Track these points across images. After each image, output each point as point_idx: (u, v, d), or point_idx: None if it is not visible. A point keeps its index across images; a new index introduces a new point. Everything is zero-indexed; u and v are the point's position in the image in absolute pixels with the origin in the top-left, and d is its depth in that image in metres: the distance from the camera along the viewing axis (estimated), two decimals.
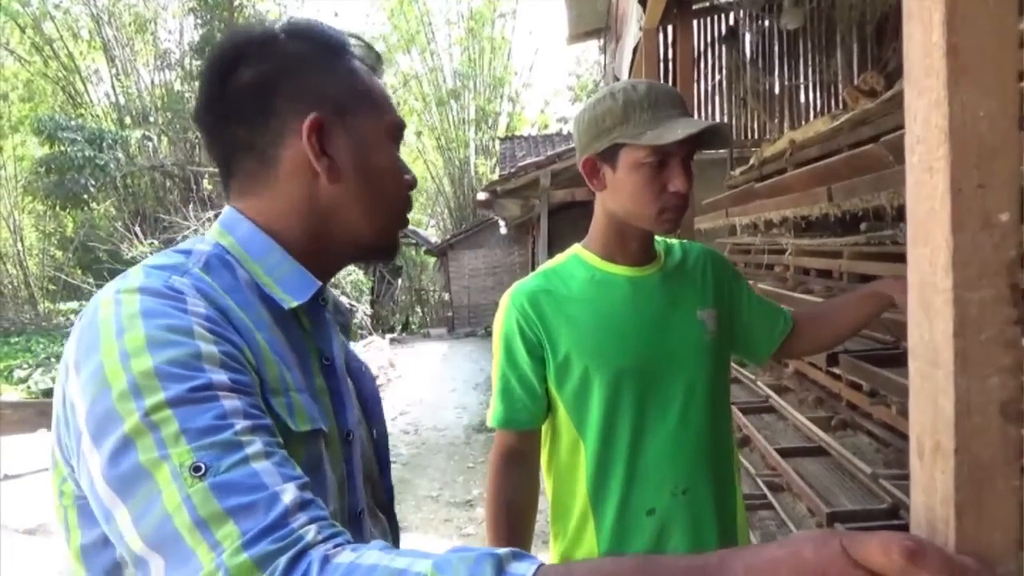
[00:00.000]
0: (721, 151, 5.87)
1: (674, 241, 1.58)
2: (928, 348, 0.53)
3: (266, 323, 0.81)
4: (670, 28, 4.04)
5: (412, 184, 0.97)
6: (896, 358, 1.82)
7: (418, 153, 24.43)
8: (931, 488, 0.53)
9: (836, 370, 2.11)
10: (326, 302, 0.93)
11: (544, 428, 1.52)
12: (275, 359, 0.78)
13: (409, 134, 24.59)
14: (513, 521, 1.47)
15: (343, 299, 10.65)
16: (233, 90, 0.86)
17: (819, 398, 2.77)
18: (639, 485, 1.40)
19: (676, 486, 1.39)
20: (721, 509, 1.45)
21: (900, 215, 1.74)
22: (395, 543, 1.02)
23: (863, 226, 1.84)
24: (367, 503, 0.96)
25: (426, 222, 26.78)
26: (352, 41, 0.95)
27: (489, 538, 1.48)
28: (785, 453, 2.54)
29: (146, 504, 0.61)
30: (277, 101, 0.86)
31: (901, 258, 2.07)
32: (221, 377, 0.67)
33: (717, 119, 6.24)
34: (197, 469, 0.61)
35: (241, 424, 0.65)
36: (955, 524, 0.50)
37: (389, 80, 23.00)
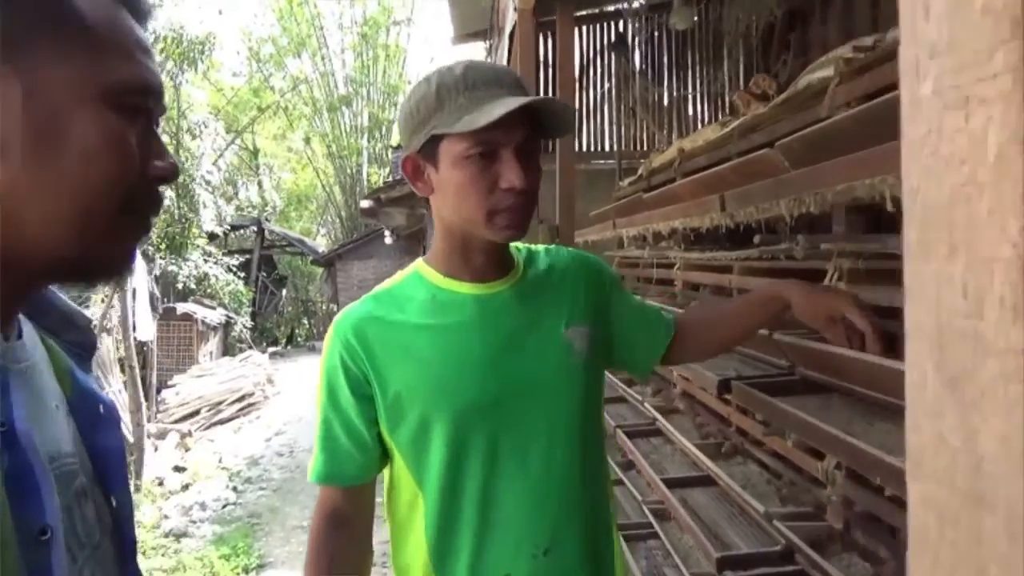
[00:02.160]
0: (610, 161, 5.79)
1: (539, 248, 1.33)
2: (947, 462, 0.27)
3: None
4: (550, 33, 3.84)
5: (162, 175, 0.66)
6: (792, 386, 1.63)
7: (308, 160, 23.63)
8: None
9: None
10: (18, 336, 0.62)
11: (384, 478, 1.23)
12: None
13: (297, 139, 23.78)
14: None
15: (221, 310, 10.00)
16: None
17: (708, 423, 2.59)
18: (492, 547, 1.14)
19: (537, 546, 1.15)
20: (595, 571, 1.21)
21: (798, 227, 1.55)
22: None
23: (757, 239, 1.66)
24: None
25: (316, 231, 25.96)
26: None
27: None
28: (672, 484, 2.35)
29: None
30: None
31: (796, 275, 1.90)
32: None
33: (606, 130, 6.17)
34: None
35: None
36: None
37: (277, 84, 22.44)
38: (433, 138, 1.09)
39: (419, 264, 1.24)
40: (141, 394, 7.11)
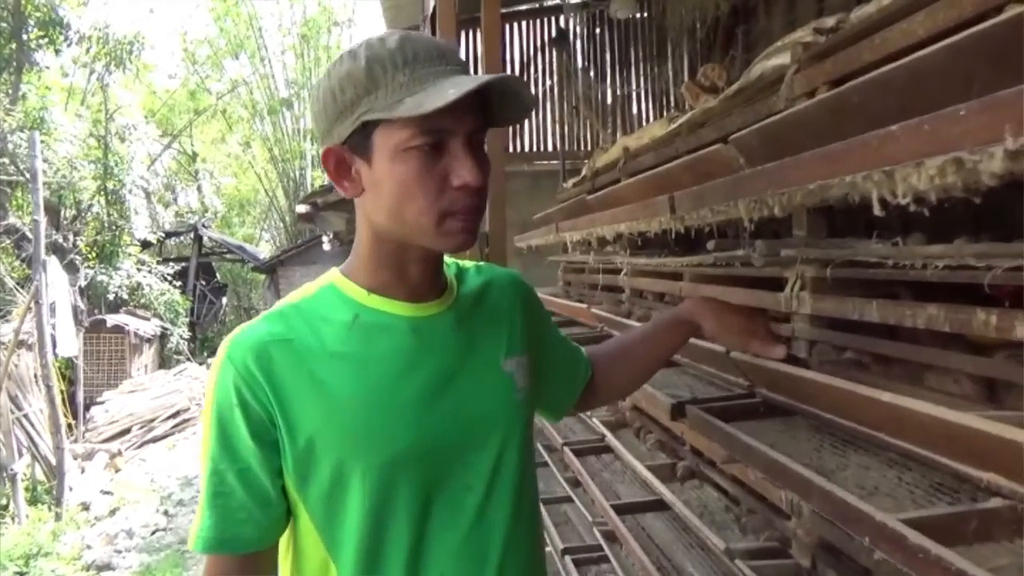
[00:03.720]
0: (553, 161, 5.62)
1: (467, 263, 1.13)
2: None
3: None
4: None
5: None
6: (752, 409, 1.46)
7: (249, 164, 23.00)
8: None
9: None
10: None
11: (283, 542, 1.00)
12: None
13: (234, 144, 23.18)
14: None
15: (156, 321, 9.60)
16: None
17: (661, 441, 2.42)
18: None
19: None
20: None
21: (758, 231, 1.38)
22: None
23: (711, 244, 1.48)
24: None
25: (259, 236, 25.30)
26: None
27: None
28: (622, 510, 2.17)
29: None
30: None
31: (753, 283, 1.73)
32: None
33: (549, 129, 5.99)
34: None
35: None
36: None
37: (215, 86, 21.70)
38: (364, 125, 0.88)
39: (335, 276, 1.00)
40: (60, 414, 6.65)
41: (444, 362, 0.97)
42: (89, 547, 5.54)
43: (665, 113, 5.77)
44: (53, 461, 6.65)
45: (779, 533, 1.59)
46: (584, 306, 2.89)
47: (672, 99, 5.67)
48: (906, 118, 0.90)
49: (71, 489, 6.73)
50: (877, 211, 0.78)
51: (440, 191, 0.89)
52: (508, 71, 3.16)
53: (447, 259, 1.09)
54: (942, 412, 0.94)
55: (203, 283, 17.42)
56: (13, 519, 6.03)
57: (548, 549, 2.74)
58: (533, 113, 6.00)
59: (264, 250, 22.25)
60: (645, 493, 2.35)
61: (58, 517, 6.18)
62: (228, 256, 19.13)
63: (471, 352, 1.00)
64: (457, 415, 0.96)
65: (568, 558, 2.70)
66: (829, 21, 1.33)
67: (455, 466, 0.96)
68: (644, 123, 5.94)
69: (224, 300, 18.93)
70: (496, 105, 0.94)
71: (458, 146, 0.89)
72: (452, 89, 0.83)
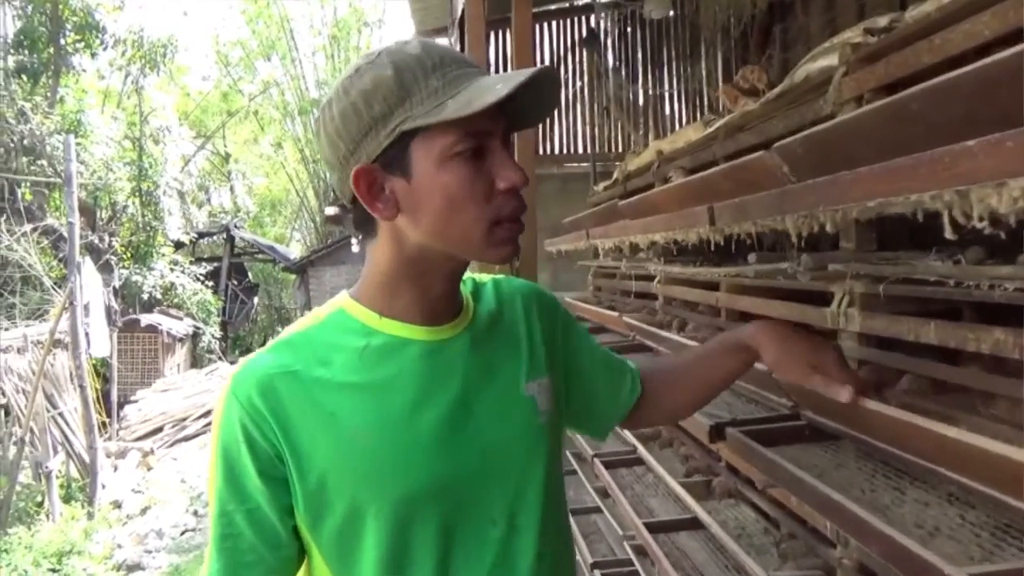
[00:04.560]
0: (584, 164, 5.51)
1: (484, 279, 1.06)
2: None
3: None
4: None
5: None
6: (797, 433, 1.38)
7: (280, 164, 23.23)
8: None
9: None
10: None
11: None
12: None
13: (266, 144, 23.45)
14: None
15: (189, 320, 9.72)
16: None
17: (695, 456, 2.34)
18: None
19: None
20: None
21: (806, 244, 1.30)
22: None
23: (752, 257, 1.40)
24: None
25: (290, 236, 25.55)
26: None
27: None
28: (655, 528, 2.09)
29: None
30: None
31: (795, 296, 1.64)
32: None
33: (579, 131, 5.89)
34: None
35: None
36: None
37: (247, 88, 21.86)
38: (400, 136, 0.82)
39: (345, 301, 0.94)
40: (94, 414, 6.73)
41: (461, 388, 0.91)
42: (120, 546, 5.60)
43: (699, 115, 5.66)
44: (87, 459, 6.73)
45: (822, 561, 1.51)
46: (615, 314, 2.81)
47: (706, 100, 5.54)
48: (974, 130, 0.82)
49: (104, 487, 6.82)
50: (949, 234, 0.71)
51: (488, 197, 0.84)
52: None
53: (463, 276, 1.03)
54: (1014, 452, 0.86)
55: (235, 283, 17.62)
56: (48, 516, 6.12)
57: (577, 559, 2.68)
58: (563, 114, 5.93)
59: (295, 250, 22.46)
60: (678, 509, 2.27)
61: (90, 516, 6.26)
62: (259, 256, 19.32)
63: (489, 376, 0.94)
64: (476, 445, 0.90)
65: (598, 572, 2.63)
66: (882, 20, 1.25)
67: (476, 499, 0.90)
68: (677, 125, 5.81)
69: (255, 300, 19.13)
70: (520, 105, 0.88)
71: (498, 148, 0.84)
72: (499, 84, 0.78)
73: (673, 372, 1.19)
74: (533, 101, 0.87)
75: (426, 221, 0.85)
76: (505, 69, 5.55)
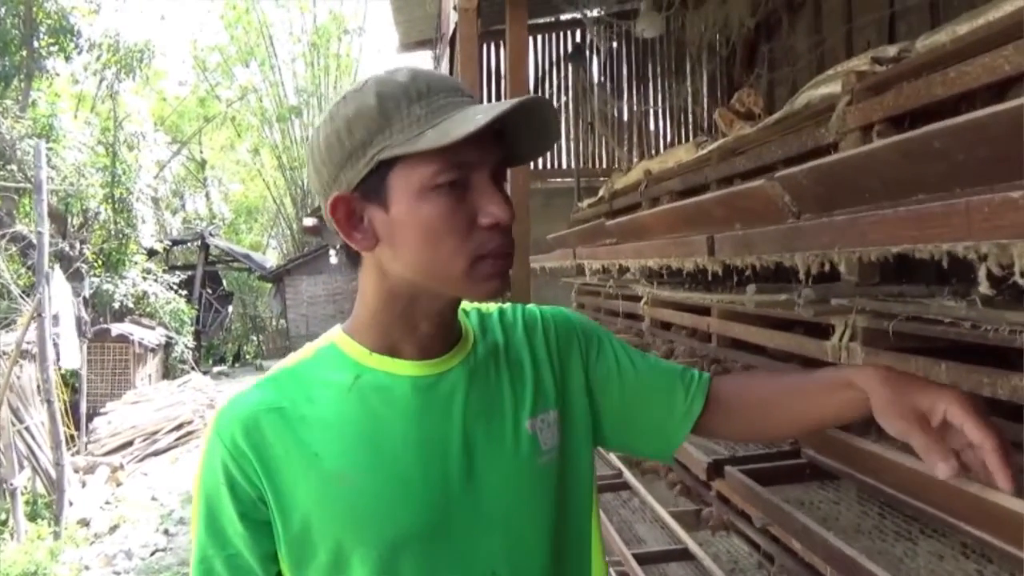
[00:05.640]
0: (567, 179, 5.47)
1: (491, 309, 1.00)
2: None
3: None
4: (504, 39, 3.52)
5: None
6: (797, 472, 1.34)
7: (257, 171, 23.01)
8: None
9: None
10: None
11: None
12: None
13: (243, 151, 23.24)
14: None
15: (161, 330, 9.51)
16: None
17: (683, 479, 2.29)
18: None
19: None
20: None
21: (807, 277, 1.25)
22: None
23: (751, 288, 1.36)
24: None
25: (266, 244, 25.31)
26: None
27: None
28: (644, 559, 2.03)
29: None
30: None
31: (791, 325, 1.60)
32: None
33: (564, 145, 5.85)
34: None
35: None
36: None
37: (225, 93, 21.60)
38: (379, 167, 0.78)
39: (337, 335, 0.89)
40: (61, 429, 6.55)
41: (455, 427, 0.85)
42: (87, 568, 5.42)
43: (684, 132, 5.64)
44: (54, 475, 6.54)
45: None
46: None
47: (692, 117, 5.52)
48: (1006, 174, 0.78)
49: (71, 504, 6.62)
50: (984, 288, 0.66)
51: (469, 232, 0.78)
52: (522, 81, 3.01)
53: (467, 305, 0.97)
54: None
55: (209, 291, 17.36)
56: (12, 535, 5.92)
57: None
58: None
59: (271, 258, 22.24)
60: (667, 537, 2.22)
61: (57, 535, 6.07)
62: (234, 264, 19.08)
63: (488, 413, 0.88)
64: (471, 488, 0.84)
65: None
66: (891, 50, 1.21)
67: (471, 547, 0.84)
68: (662, 141, 5.79)
69: (230, 309, 18.87)
70: (521, 136, 0.82)
71: (484, 181, 0.79)
72: (479, 115, 0.73)
73: (761, 395, 1.01)
74: (530, 132, 0.83)
75: (405, 254, 0.80)
76: (497, 84, 5.49)
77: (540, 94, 5.93)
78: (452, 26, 2.80)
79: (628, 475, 2.57)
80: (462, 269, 0.79)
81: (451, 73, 3.81)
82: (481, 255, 0.79)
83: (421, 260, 0.80)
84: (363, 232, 0.82)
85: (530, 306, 1.03)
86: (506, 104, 0.75)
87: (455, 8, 2.52)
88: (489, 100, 5.04)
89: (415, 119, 0.76)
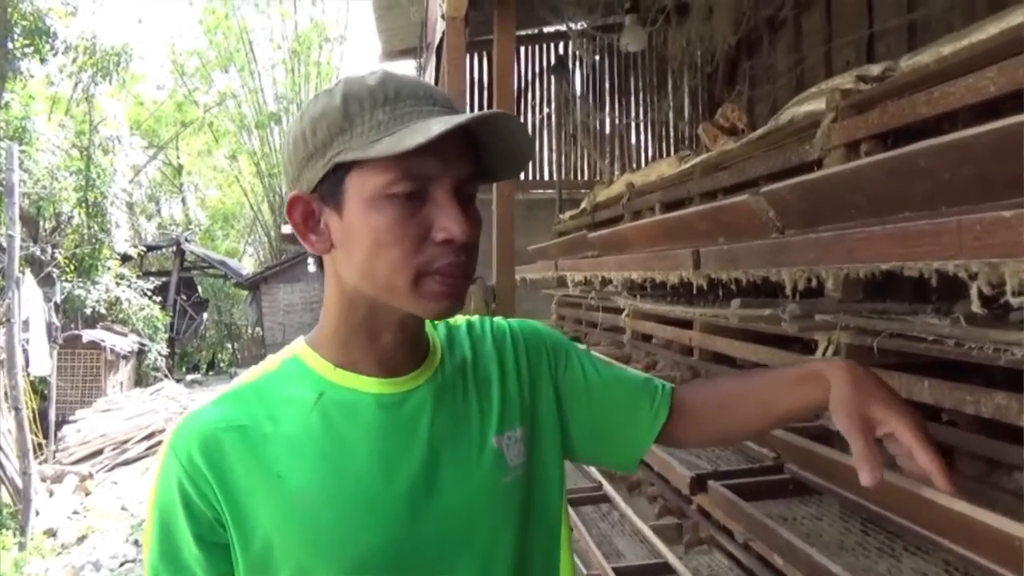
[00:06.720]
0: (549, 191, 5.47)
1: (460, 321, 0.98)
2: None
3: None
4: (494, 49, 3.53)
5: None
6: (780, 487, 1.34)
7: (235, 177, 22.78)
8: None
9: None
10: None
11: None
12: None
13: (221, 157, 23.04)
14: None
15: (134, 337, 9.34)
16: None
17: (663, 494, 2.29)
18: None
19: None
20: None
21: (794, 292, 1.26)
22: None
23: (736, 303, 1.36)
24: None
25: (243, 251, 25.04)
26: None
27: None
28: (624, 573, 2.02)
29: None
30: None
31: (773, 340, 1.61)
32: None
33: (546, 157, 5.87)
34: None
35: None
36: None
37: (204, 99, 21.49)
38: (337, 169, 0.76)
39: (300, 348, 0.87)
40: (28, 438, 6.40)
41: (421, 446, 0.83)
42: None
43: (665, 145, 5.68)
44: (20, 485, 6.39)
45: None
46: (582, 346, 2.76)
47: (673, 131, 5.57)
48: (990, 193, 0.79)
49: (38, 514, 6.47)
50: (976, 307, 0.66)
51: (418, 245, 0.76)
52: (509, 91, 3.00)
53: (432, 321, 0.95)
54: (1014, 527, 0.82)
55: (184, 298, 17.13)
56: None
57: None
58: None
59: (247, 265, 21.99)
60: (646, 551, 2.21)
61: (22, 546, 5.92)
62: (210, 271, 18.85)
63: (454, 431, 0.86)
64: (436, 508, 0.82)
65: None
66: (875, 68, 1.22)
67: (437, 568, 0.82)
68: (643, 154, 5.83)
69: (205, 316, 18.63)
70: (491, 152, 0.81)
71: (443, 195, 0.76)
72: (436, 125, 0.71)
73: (726, 394, 1.02)
74: (501, 148, 0.81)
75: (355, 261, 0.79)
76: (481, 95, 5.49)
77: (522, 106, 5.96)
78: (438, 35, 2.80)
79: (608, 488, 2.56)
80: (405, 284, 0.77)
81: (436, 83, 3.80)
82: (426, 272, 0.77)
83: (367, 270, 0.78)
84: (319, 235, 0.81)
85: (498, 319, 1.02)
86: (463, 117, 0.73)
87: (443, 17, 2.51)
88: (472, 111, 5.02)
89: (376, 124, 0.75)
